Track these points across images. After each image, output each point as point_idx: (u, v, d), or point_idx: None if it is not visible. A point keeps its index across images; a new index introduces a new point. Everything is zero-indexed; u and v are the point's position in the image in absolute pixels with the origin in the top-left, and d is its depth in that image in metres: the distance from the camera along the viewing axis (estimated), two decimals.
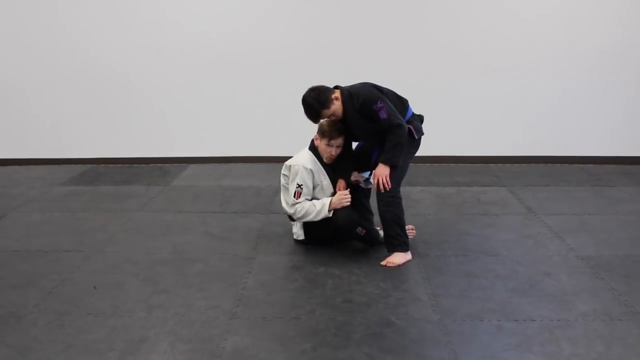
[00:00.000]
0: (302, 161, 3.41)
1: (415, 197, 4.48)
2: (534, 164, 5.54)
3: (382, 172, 3.21)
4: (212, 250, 3.55)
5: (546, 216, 4.07)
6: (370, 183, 3.57)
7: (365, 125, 3.25)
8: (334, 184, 3.49)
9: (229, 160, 5.74)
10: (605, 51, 5.28)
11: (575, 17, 5.25)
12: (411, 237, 3.55)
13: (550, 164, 5.53)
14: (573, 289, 2.97)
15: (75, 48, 5.49)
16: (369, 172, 3.55)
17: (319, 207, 3.33)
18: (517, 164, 5.55)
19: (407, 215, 4.08)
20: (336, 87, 3.31)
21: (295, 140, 5.42)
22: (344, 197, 3.30)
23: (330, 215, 3.31)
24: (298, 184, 3.36)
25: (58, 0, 5.38)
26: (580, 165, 5.46)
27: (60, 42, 5.47)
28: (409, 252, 3.33)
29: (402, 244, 3.30)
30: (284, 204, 3.57)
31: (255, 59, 5.45)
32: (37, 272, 3.24)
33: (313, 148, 3.49)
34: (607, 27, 5.24)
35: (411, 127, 3.29)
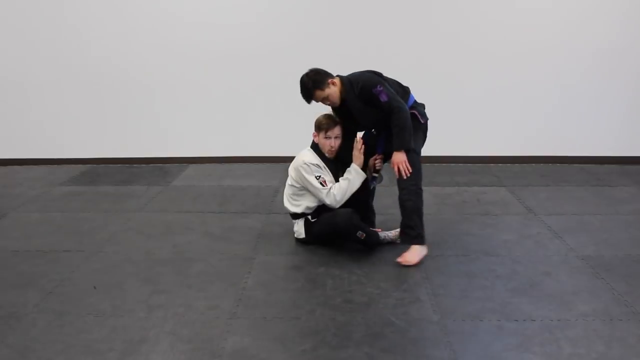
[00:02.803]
0: (307, 159, 3.43)
1: None
2: (534, 164, 5.54)
3: (399, 159, 3.18)
4: (212, 250, 3.55)
5: (546, 216, 4.07)
6: (375, 182, 3.54)
7: (367, 112, 3.24)
8: (336, 179, 3.49)
9: (229, 160, 5.74)
10: (606, 51, 5.28)
11: (576, 17, 5.24)
12: None
13: (550, 164, 5.53)
14: (573, 289, 2.97)
15: (75, 47, 5.48)
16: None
17: (352, 176, 3.37)
18: (517, 164, 5.55)
19: None
20: (338, 76, 3.31)
21: (295, 140, 5.41)
22: (359, 150, 3.37)
23: (365, 176, 3.40)
24: (317, 176, 3.37)
25: (58, 0, 5.38)
26: (580, 165, 5.46)
27: (60, 41, 5.47)
28: (425, 246, 3.30)
29: (418, 236, 3.27)
30: (286, 204, 3.58)
31: (256, 59, 5.45)
32: (37, 272, 3.24)
33: (314, 146, 3.50)
34: (607, 27, 5.24)
35: (416, 112, 3.29)
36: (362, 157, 3.40)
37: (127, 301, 2.90)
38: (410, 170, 3.19)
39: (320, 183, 3.36)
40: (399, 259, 3.25)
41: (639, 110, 5.43)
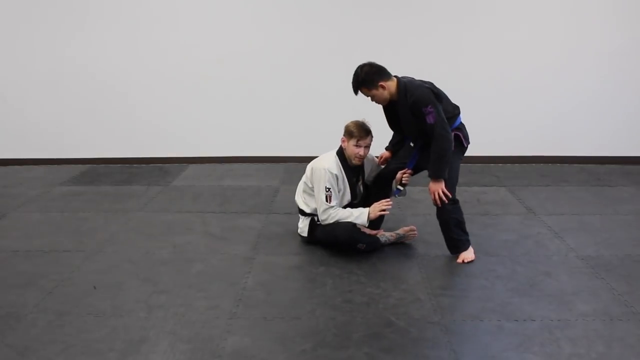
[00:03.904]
0: (328, 165, 3.38)
1: (416, 197, 4.48)
2: (534, 164, 5.54)
3: (436, 187, 3.19)
4: (212, 250, 3.55)
5: (546, 216, 4.07)
6: (398, 194, 3.49)
7: (414, 123, 3.22)
8: (353, 189, 3.48)
9: (229, 160, 5.74)
10: (606, 51, 5.28)
11: (576, 19, 5.25)
12: (412, 238, 3.55)
13: (550, 164, 5.53)
14: (573, 289, 2.97)
15: (75, 48, 5.48)
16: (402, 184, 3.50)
17: (356, 214, 3.34)
18: (517, 164, 5.55)
19: (407, 215, 4.11)
20: (395, 77, 3.27)
21: (296, 141, 5.45)
22: (383, 206, 3.31)
23: (367, 225, 3.36)
24: (327, 187, 3.35)
25: (57, 0, 5.38)
26: (580, 165, 5.46)
27: (60, 41, 5.47)
28: (470, 247, 3.36)
29: (465, 243, 3.34)
30: (297, 199, 3.59)
31: (256, 59, 5.45)
32: (37, 272, 3.24)
33: (340, 153, 3.46)
34: (607, 28, 5.24)
35: (460, 134, 3.30)
36: (379, 215, 3.36)
37: (127, 301, 2.90)
38: (448, 196, 3.20)
39: (326, 197, 3.35)
40: (458, 261, 3.30)
41: (639, 110, 5.43)
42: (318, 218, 3.46)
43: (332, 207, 3.36)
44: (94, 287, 3.05)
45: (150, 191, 4.84)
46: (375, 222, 3.58)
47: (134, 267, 3.30)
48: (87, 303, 2.88)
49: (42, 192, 4.84)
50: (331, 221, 3.36)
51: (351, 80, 3.24)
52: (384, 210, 3.33)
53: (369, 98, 3.29)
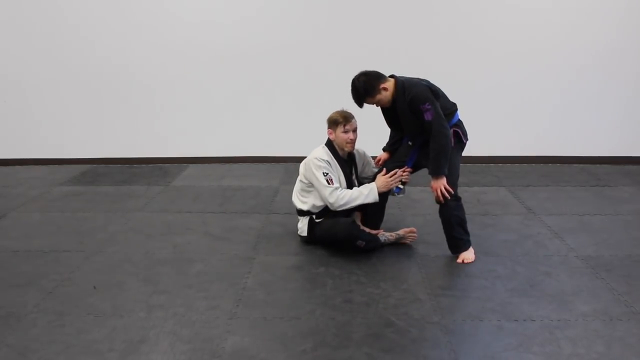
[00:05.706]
0: (318, 154, 3.41)
1: (415, 197, 4.48)
2: (534, 164, 5.54)
3: (438, 184, 3.18)
4: (212, 250, 3.55)
5: (546, 216, 4.07)
6: (398, 193, 3.49)
7: (413, 121, 3.23)
8: (348, 180, 3.48)
9: (229, 160, 5.74)
10: (605, 51, 5.28)
11: (575, 17, 5.25)
12: (412, 240, 3.55)
13: (550, 164, 5.53)
14: (573, 289, 2.97)
15: (75, 47, 5.49)
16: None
17: (366, 192, 3.32)
18: (517, 164, 5.55)
19: (407, 215, 4.11)
20: (392, 76, 3.28)
21: (296, 141, 5.45)
22: (391, 179, 3.31)
23: (378, 200, 3.35)
24: (324, 172, 3.35)
25: (57, 0, 5.38)
26: (580, 165, 5.46)
27: (60, 41, 5.47)
28: (471, 248, 3.36)
29: (465, 243, 3.33)
30: (294, 199, 3.59)
31: (256, 58, 5.45)
32: (37, 272, 3.24)
33: (328, 144, 3.48)
34: (606, 26, 5.24)
35: (459, 131, 3.31)
36: (388, 185, 3.34)
37: (127, 301, 2.90)
38: (451, 192, 3.19)
39: (327, 180, 3.34)
40: (458, 261, 3.30)
41: (639, 110, 5.43)
42: (317, 216, 3.44)
43: (337, 187, 3.33)
44: (94, 287, 3.05)
45: (150, 191, 4.84)
46: (375, 222, 3.58)
47: (134, 267, 3.30)
48: (87, 303, 2.88)
49: (42, 192, 4.84)
50: (342, 202, 3.30)
51: (350, 93, 3.23)
52: (391, 178, 3.31)
53: (374, 105, 3.30)
